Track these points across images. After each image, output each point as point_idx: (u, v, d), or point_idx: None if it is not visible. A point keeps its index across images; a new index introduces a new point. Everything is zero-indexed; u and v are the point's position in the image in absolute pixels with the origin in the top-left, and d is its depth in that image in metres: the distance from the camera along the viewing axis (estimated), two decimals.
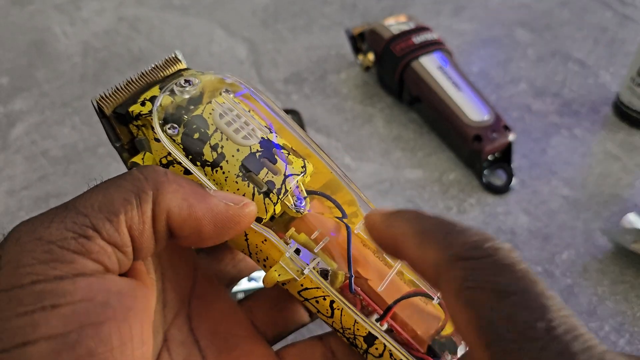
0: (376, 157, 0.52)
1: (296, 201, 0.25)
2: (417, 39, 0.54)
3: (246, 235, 0.24)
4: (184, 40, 0.65)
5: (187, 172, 0.24)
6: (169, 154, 0.24)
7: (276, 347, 0.27)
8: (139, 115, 0.24)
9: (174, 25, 0.67)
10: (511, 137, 0.49)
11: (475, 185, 0.49)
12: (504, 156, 0.50)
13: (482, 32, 0.66)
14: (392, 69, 0.54)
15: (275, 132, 0.26)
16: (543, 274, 0.43)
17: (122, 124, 0.25)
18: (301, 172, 0.25)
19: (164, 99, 0.25)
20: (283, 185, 0.24)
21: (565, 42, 0.64)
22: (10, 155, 0.52)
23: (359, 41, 0.59)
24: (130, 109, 0.24)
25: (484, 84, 0.58)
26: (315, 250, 0.24)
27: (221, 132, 0.24)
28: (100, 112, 0.25)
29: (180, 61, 0.27)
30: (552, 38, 0.64)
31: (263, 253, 0.25)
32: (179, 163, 0.24)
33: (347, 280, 0.24)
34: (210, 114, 0.25)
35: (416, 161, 0.51)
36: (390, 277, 0.25)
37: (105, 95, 0.25)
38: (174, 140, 0.24)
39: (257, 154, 0.24)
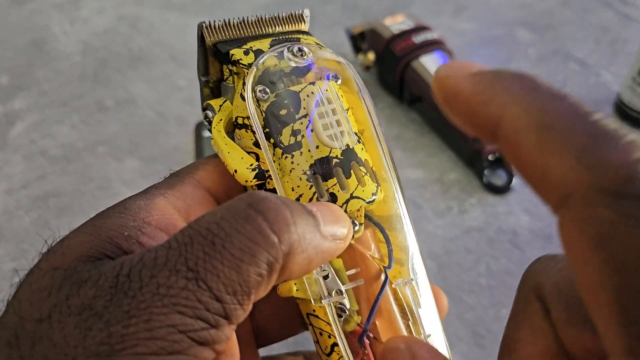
0: None
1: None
2: (418, 38, 0.54)
3: None
4: (183, 39, 0.64)
5: (256, 144, 0.22)
6: (248, 117, 0.22)
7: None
8: (238, 62, 0.22)
9: (174, 25, 0.67)
10: None
11: (476, 185, 0.49)
12: None
13: (483, 32, 0.65)
14: (393, 68, 0.54)
15: (363, 143, 0.23)
16: None
17: (217, 60, 0.23)
18: (369, 200, 0.22)
19: (269, 59, 0.22)
20: (345, 205, 0.22)
21: (566, 41, 0.64)
22: (9, 155, 0.52)
23: (359, 41, 0.59)
24: (232, 52, 0.22)
25: None
26: (344, 288, 0.22)
27: (309, 121, 0.22)
28: (201, 39, 0.23)
29: (304, 21, 0.24)
30: (553, 38, 0.64)
31: None
32: (253, 132, 0.22)
33: (360, 329, 0.22)
34: (307, 96, 0.22)
35: (417, 161, 0.51)
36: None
37: (212, 24, 0.23)
38: (259, 105, 0.22)
39: (334, 161, 0.22)
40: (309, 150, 0.22)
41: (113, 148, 0.52)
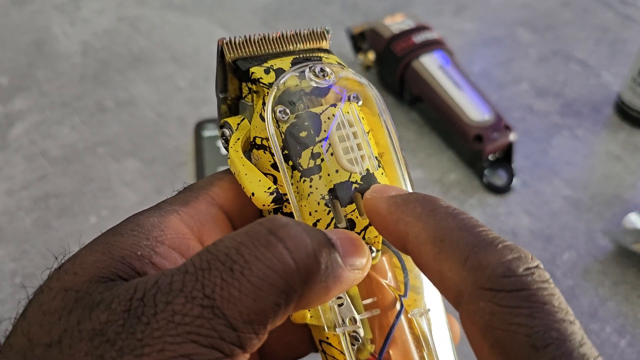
0: None
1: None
2: (418, 38, 0.54)
3: None
4: (184, 39, 0.65)
5: (274, 166, 0.21)
6: (267, 139, 0.21)
7: None
8: (258, 80, 0.22)
9: (175, 25, 0.67)
10: (512, 137, 0.48)
11: (476, 185, 0.49)
12: (505, 156, 0.50)
13: (484, 32, 0.65)
14: (393, 68, 0.54)
15: (382, 167, 0.23)
16: None
17: (236, 77, 0.23)
18: None
19: (290, 79, 0.22)
20: (363, 232, 0.21)
21: (566, 42, 0.64)
22: (10, 155, 0.52)
23: (360, 41, 0.59)
24: (252, 70, 0.22)
25: (485, 84, 0.58)
26: (359, 317, 0.21)
27: (329, 144, 0.21)
28: (220, 55, 0.22)
29: (326, 39, 0.24)
30: (553, 38, 0.64)
31: None
32: (272, 154, 0.21)
33: (374, 359, 0.21)
34: (329, 118, 0.22)
35: (417, 162, 0.51)
36: None
37: (232, 41, 0.22)
38: (278, 126, 0.21)
39: (354, 186, 0.21)
40: (328, 175, 0.21)
41: (113, 149, 0.52)
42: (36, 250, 0.44)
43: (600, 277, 0.42)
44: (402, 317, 0.22)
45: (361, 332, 0.21)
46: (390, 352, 0.22)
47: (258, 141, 0.22)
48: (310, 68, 0.22)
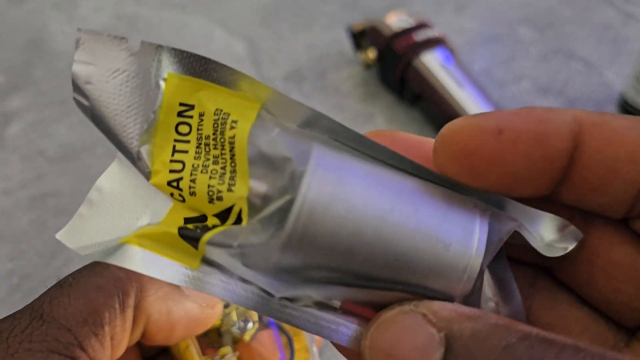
0: None
1: (242, 321, 0.22)
2: (419, 36, 0.54)
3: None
4: (182, 38, 0.64)
5: None
6: None
7: None
8: None
9: (173, 24, 0.66)
10: None
11: None
12: None
13: (485, 30, 0.65)
14: (394, 67, 0.53)
15: None
16: None
17: None
18: None
19: None
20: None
21: (568, 40, 0.63)
22: (7, 155, 0.51)
23: (360, 39, 0.58)
24: None
25: (486, 82, 0.57)
26: None
27: None
28: None
29: None
30: (555, 36, 0.64)
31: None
32: None
33: None
34: None
35: None
36: None
37: None
38: None
39: None
40: None
41: (112, 148, 0.51)
42: (33, 250, 0.44)
43: None
44: None
45: None
46: None
47: None
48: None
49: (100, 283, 0.18)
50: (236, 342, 0.23)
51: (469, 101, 0.49)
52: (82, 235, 0.15)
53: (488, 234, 0.15)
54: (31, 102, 0.56)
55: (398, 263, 0.14)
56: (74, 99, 0.15)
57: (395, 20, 0.56)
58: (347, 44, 0.61)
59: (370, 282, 0.15)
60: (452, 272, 0.14)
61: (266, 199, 0.15)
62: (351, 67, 0.60)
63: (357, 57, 0.59)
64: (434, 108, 0.51)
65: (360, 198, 0.14)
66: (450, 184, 0.16)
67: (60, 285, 0.18)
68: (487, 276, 0.16)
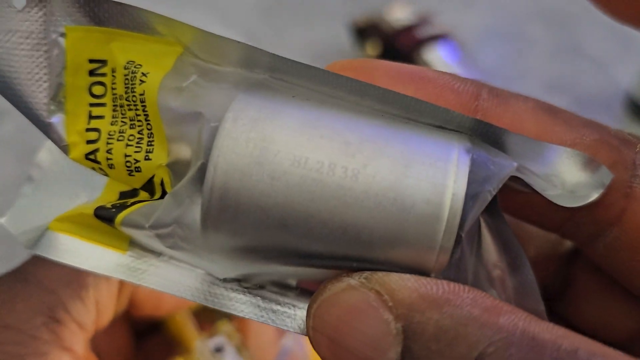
0: None
1: None
2: (423, 32, 0.53)
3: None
4: None
5: None
6: None
7: None
8: None
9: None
10: None
11: None
12: None
13: (491, 26, 0.64)
14: None
15: None
16: None
17: None
18: None
19: None
20: None
21: (576, 37, 0.63)
22: (1, 154, 0.50)
23: (361, 35, 0.57)
24: None
25: (492, 79, 0.56)
26: None
27: None
28: None
29: None
30: (562, 33, 0.63)
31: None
32: None
33: None
34: None
35: None
36: None
37: None
38: None
39: None
40: None
41: None
42: (28, 253, 0.43)
43: None
44: None
45: None
46: None
47: None
48: None
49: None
50: (233, 318, 0.22)
51: None
52: (25, 219, 0.14)
53: (472, 184, 0.12)
54: None
55: (347, 235, 0.11)
56: None
57: (398, 15, 0.55)
58: (348, 40, 0.60)
59: (321, 260, 0.12)
60: (420, 239, 0.11)
61: (188, 166, 0.12)
62: None
63: (359, 53, 0.58)
64: None
65: (290, 157, 0.11)
66: (435, 117, 0.12)
67: None
68: (487, 236, 0.13)
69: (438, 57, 0.52)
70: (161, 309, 0.19)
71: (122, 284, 0.18)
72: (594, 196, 0.12)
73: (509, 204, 0.14)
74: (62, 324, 0.16)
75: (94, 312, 0.17)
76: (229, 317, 0.22)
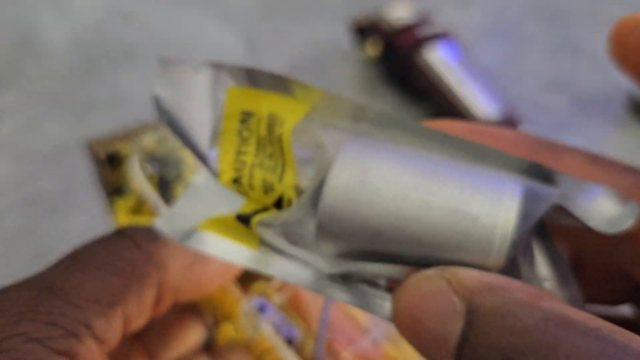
0: None
1: None
2: (422, 32, 0.53)
3: None
4: (178, 33, 0.63)
5: None
6: None
7: None
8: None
9: (168, 19, 0.66)
10: None
11: None
12: None
13: (490, 25, 0.64)
14: (396, 64, 0.53)
15: None
16: None
17: None
18: None
19: None
20: None
21: (575, 35, 0.63)
22: (1, 154, 0.50)
23: (361, 35, 0.57)
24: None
25: (491, 79, 0.57)
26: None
27: None
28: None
29: None
30: (561, 31, 0.63)
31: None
32: None
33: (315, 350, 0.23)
34: None
35: None
36: None
37: None
38: None
39: None
40: None
41: None
42: (26, 252, 0.43)
43: None
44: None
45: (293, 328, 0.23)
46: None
47: None
48: None
49: (117, 265, 0.17)
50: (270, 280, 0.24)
51: (473, 98, 0.49)
52: (176, 222, 0.17)
53: (524, 204, 0.15)
54: (23, 99, 0.56)
55: (426, 240, 0.15)
56: (159, 118, 0.17)
57: (398, 15, 0.56)
58: (348, 39, 0.60)
59: (407, 261, 0.16)
60: (479, 244, 0.15)
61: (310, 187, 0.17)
62: (352, 64, 0.59)
63: (359, 53, 0.58)
64: (437, 105, 0.51)
65: (384, 181, 0.15)
66: (497, 160, 0.16)
67: (75, 258, 0.17)
68: (540, 255, 0.16)
69: (438, 56, 0.52)
70: (205, 294, 0.21)
71: (161, 294, 0.18)
72: (628, 224, 0.15)
73: (557, 236, 0.17)
74: (80, 339, 0.16)
75: (120, 328, 0.17)
76: (266, 279, 0.24)
